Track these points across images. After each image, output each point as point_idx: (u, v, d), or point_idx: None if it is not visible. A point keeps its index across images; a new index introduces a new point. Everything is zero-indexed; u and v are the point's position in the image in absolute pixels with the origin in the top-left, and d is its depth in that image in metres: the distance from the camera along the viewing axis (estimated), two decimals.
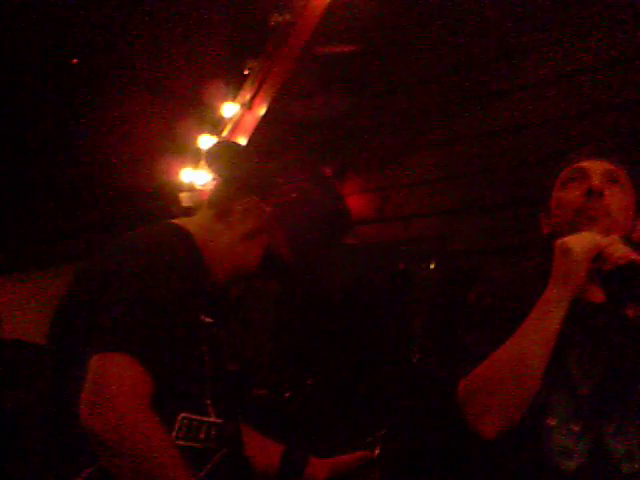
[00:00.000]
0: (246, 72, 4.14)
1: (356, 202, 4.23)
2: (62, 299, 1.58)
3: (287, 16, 3.89)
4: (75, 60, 4.86)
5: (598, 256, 1.51)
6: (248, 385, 3.33)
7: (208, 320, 1.58)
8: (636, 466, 1.55)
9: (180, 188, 4.00)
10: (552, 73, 3.36)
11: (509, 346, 1.52)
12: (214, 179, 1.84)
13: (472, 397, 1.54)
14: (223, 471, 1.57)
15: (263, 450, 1.85)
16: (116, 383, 1.36)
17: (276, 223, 1.70)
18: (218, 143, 1.90)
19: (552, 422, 1.56)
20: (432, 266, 3.32)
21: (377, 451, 1.88)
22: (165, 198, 3.91)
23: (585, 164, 1.69)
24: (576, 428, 1.55)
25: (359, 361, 3.34)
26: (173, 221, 1.70)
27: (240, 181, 1.73)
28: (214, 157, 1.82)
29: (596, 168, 1.67)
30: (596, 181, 1.64)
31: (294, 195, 1.76)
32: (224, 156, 1.79)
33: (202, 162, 3.98)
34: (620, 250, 1.49)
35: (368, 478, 1.85)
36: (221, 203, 1.72)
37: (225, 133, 4.19)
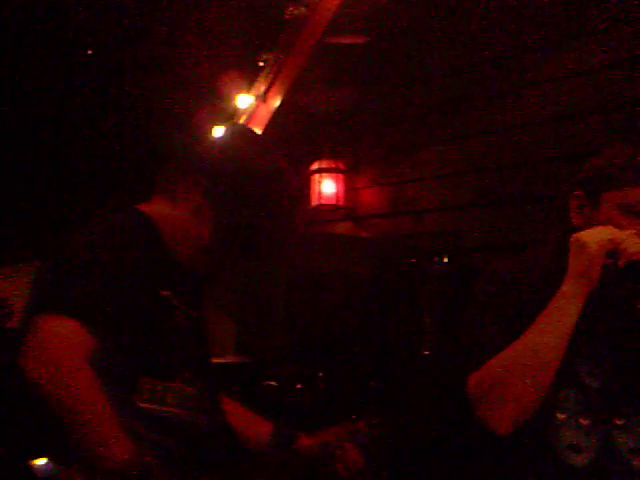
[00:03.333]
0: (261, 64, 4.15)
1: (369, 196, 4.23)
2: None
3: (302, 9, 3.89)
4: (89, 51, 4.89)
5: (613, 251, 1.51)
6: (259, 376, 3.34)
7: (166, 293, 1.68)
8: None
9: None
10: (565, 70, 3.34)
11: (524, 340, 1.51)
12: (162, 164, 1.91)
13: (485, 392, 1.52)
14: (206, 439, 1.66)
15: (253, 425, 1.93)
16: (53, 338, 1.46)
17: (222, 197, 1.76)
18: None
19: (561, 416, 1.56)
20: (445, 260, 3.31)
21: (361, 425, 1.91)
22: None
23: None
24: (585, 422, 1.55)
25: (370, 355, 3.34)
26: (136, 206, 1.79)
27: (179, 161, 1.83)
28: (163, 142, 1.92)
29: None
30: None
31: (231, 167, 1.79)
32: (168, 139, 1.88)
33: None
34: (635, 245, 1.49)
35: (350, 451, 1.89)
36: (166, 185, 1.80)
37: None
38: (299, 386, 3.22)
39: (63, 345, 1.46)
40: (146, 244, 1.67)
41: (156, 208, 1.78)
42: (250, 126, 4.08)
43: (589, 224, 1.61)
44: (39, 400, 1.44)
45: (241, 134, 1.94)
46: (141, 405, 1.57)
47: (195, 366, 1.73)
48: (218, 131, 1.83)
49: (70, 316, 1.48)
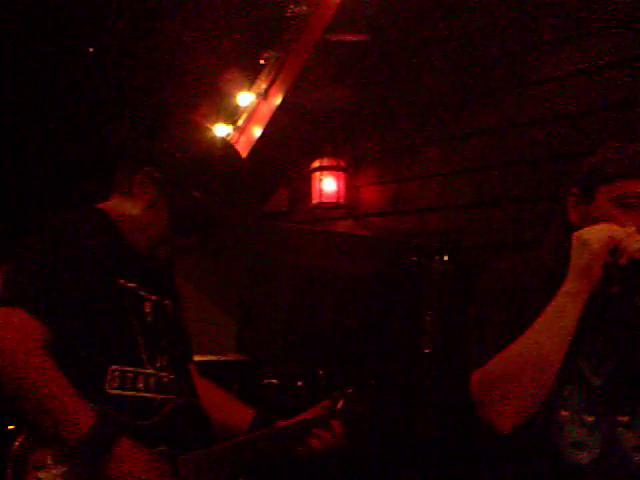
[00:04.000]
0: (262, 62, 4.15)
1: (370, 194, 4.23)
2: None
3: (304, 7, 3.90)
4: (91, 49, 4.88)
5: (615, 248, 1.51)
6: (260, 374, 3.35)
7: (131, 285, 1.75)
8: None
9: None
10: (565, 70, 3.35)
11: (526, 339, 1.52)
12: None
13: (488, 390, 1.53)
14: (174, 420, 1.72)
15: (235, 411, 1.99)
16: (6, 329, 1.54)
17: (176, 189, 1.81)
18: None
19: (565, 414, 1.56)
20: (445, 259, 3.32)
21: (340, 403, 1.95)
22: None
23: None
24: (589, 419, 1.56)
25: (371, 353, 3.34)
26: (94, 204, 1.85)
27: (129, 157, 1.88)
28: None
29: None
30: None
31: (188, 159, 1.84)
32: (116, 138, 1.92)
33: None
34: (637, 243, 1.49)
35: (330, 428, 1.93)
36: (122, 182, 1.86)
37: (240, 122, 4.21)
38: (300, 384, 3.22)
39: (15, 334, 1.53)
40: (103, 238, 1.73)
41: (113, 204, 1.83)
42: (251, 124, 4.09)
43: (586, 220, 1.62)
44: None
45: (189, 126, 1.97)
46: (111, 392, 1.64)
47: (170, 352, 1.80)
48: (168, 125, 1.87)
49: (22, 308, 1.56)
